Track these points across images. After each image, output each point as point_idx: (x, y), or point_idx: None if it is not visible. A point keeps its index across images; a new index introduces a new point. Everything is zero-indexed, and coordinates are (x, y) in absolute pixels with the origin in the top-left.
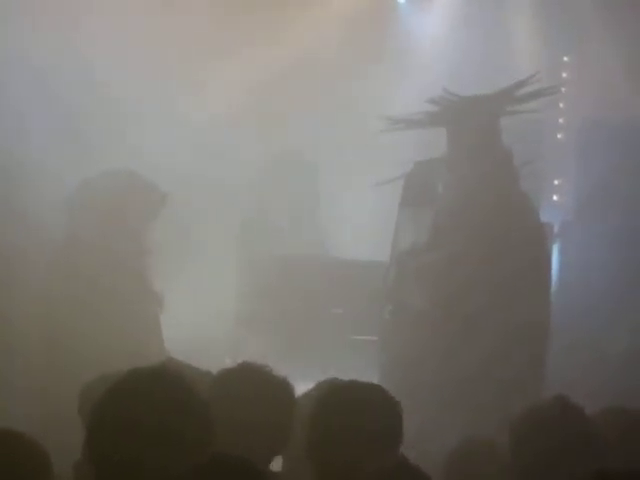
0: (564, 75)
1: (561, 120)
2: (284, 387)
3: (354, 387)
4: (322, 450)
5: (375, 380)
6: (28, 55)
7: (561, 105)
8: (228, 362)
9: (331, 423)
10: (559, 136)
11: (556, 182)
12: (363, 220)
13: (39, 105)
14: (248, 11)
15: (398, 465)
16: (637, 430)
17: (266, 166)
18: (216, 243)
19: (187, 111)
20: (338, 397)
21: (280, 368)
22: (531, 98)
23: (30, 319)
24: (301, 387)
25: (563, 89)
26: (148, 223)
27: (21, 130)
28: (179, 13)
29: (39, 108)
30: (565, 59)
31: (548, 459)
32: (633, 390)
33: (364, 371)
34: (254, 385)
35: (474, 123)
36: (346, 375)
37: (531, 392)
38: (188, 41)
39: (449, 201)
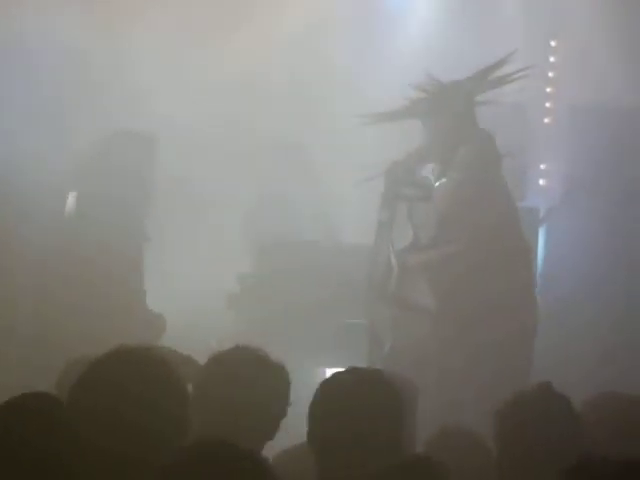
0: (551, 59)
1: (548, 104)
2: (278, 370)
3: (354, 372)
4: (322, 436)
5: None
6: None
7: (548, 90)
8: (214, 345)
9: (331, 408)
10: (546, 120)
11: (542, 166)
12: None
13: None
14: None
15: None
16: (629, 413)
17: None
18: (217, 226)
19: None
20: (338, 382)
21: (274, 352)
22: (507, 81)
23: (21, 292)
24: (296, 372)
25: (550, 73)
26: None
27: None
28: None
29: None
30: (552, 43)
31: (532, 447)
32: (618, 378)
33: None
34: (247, 367)
35: (452, 108)
36: (342, 359)
37: (519, 382)
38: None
39: (445, 193)
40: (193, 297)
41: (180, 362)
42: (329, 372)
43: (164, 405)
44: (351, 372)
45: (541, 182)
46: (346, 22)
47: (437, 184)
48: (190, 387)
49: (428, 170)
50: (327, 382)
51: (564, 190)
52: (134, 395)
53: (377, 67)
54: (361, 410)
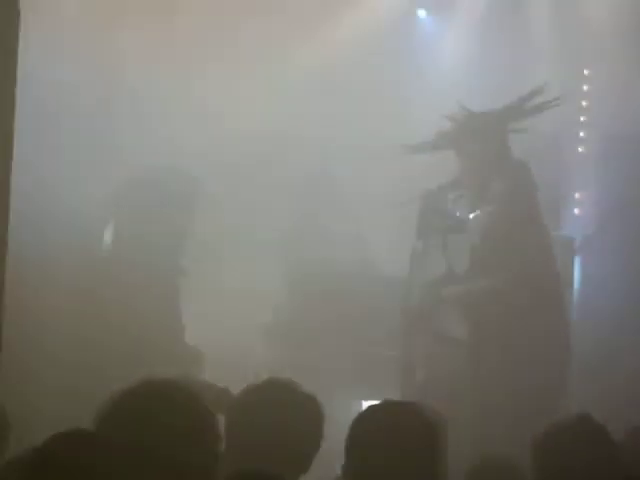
0: (584, 88)
1: (582, 133)
2: (311, 403)
3: (390, 406)
4: (358, 470)
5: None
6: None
7: (582, 119)
8: (252, 378)
9: (367, 441)
10: (580, 149)
11: (577, 195)
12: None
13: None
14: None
15: None
16: None
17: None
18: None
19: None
20: (373, 417)
21: (307, 383)
22: (540, 110)
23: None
24: (330, 404)
25: (584, 102)
26: (188, 216)
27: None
28: None
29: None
30: (585, 72)
31: (570, 477)
32: None
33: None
34: (280, 401)
35: (485, 138)
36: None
37: (554, 410)
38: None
39: (480, 227)
40: (229, 330)
41: (216, 394)
42: (363, 405)
43: (191, 437)
44: (386, 405)
45: (576, 211)
46: (377, 54)
47: (471, 216)
48: (223, 419)
49: (462, 201)
50: (362, 415)
51: (598, 219)
52: (160, 427)
53: (411, 98)
54: (396, 443)
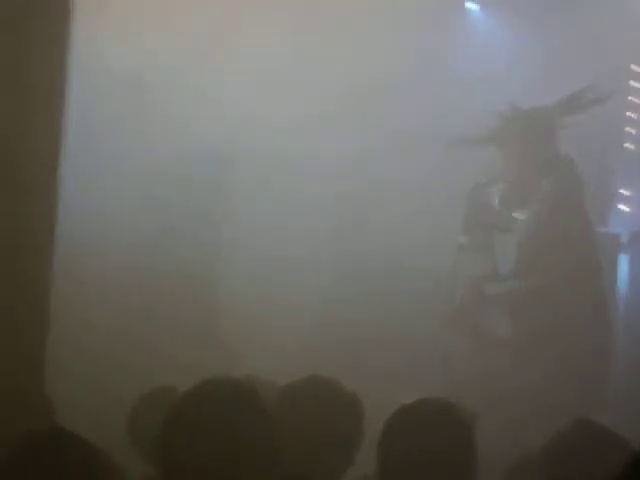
0: (632, 84)
1: (628, 129)
2: (353, 400)
3: (423, 405)
4: (393, 469)
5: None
6: None
7: (628, 114)
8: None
9: (399, 445)
10: (626, 145)
11: (623, 192)
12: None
13: None
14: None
15: None
16: None
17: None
18: None
19: None
20: (406, 417)
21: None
22: (590, 107)
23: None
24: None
25: (631, 98)
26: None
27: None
28: None
29: None
30: (633, 67)
31: None
32: None
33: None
34: (322, 397)
35: (533, 135)
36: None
37: (596, 412)
38: None
39: (527, 225)
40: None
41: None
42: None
43: (257, 437)
44: (421, 403)
45: (622, 208)
46: (424, 49)
47: (519, 214)
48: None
49: (509, 198)
50: (398, 413)
51: None
52: (229, 428)
53: (459, 94)
54: (431, 441)
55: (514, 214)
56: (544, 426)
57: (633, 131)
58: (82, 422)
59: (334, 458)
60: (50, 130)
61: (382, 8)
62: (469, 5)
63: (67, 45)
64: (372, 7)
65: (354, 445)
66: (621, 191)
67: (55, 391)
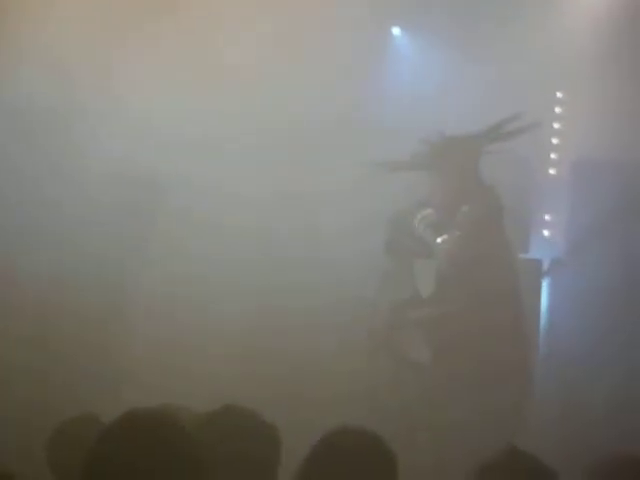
0: (557, 110)
1: (553, 155)
2: (268, 427)
3: (346, 433)
4: None
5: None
6: None
7: (554, 141)
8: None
9: (325, 472)
10: (551, 171)
11: (547, 217)
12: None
13: None
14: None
15: None
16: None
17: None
18: None
19: None
20: (329, 445)
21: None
22: (514, 136)
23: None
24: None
25: (556, 125)
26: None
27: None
28: None
29: None
30: (558, 95)
31: None
32: (614, 439)
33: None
34: (239, 428)
35: (457, 162)
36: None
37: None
38: None
39: (448, 252)
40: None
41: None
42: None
43: (185, 461)
44: (345, 431)
45: (545, 233)
46: (347, 74)
47: (439, 240)
48: None
49: (431, 224)
50: (322, 440)
51: (568, 242)
52: (155, 455)
53: (383, 120)
54: (355, 469)
55: (436, 239)
56: (467, 456)
57: (558, 157)
58: None
59: None
60: None
61: (303, 32)
62: (394, 31)
63: None
64: (293, 32)
65: (271, 473)
66: (546, 217)
67: None
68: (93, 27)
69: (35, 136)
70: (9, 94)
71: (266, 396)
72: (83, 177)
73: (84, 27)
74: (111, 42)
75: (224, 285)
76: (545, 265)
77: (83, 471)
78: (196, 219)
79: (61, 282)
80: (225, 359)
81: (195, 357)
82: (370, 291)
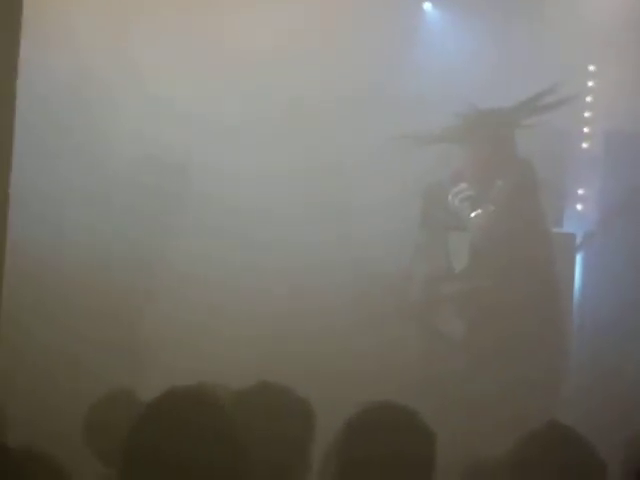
0: (590, 84)
1: (586, 129)
2: (302, 403)
3: (382, 409)
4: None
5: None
6: None
7: (586, 114)
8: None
9: (359, 448)
10: (584, 145)
11: (580, 191)
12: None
13: None
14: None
15: None
16: None
17: None
18: None
19: None
20: (368, 419)
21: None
22: (550, 109)
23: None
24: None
25: (588, 98)
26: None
27: None
28: None
29: None
30: (591, 68)
31: None
32: None
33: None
34: (274, 402)
35: (490, 136)
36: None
37: (547, 413)
38: None
39: (481, 226)
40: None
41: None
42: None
43: (223, 436)
44: (380, 405)
45: (578, 207)
46: (380, 48)
47: (473, 214)
48: None
49: (465, 198)
50: (355, 415)
51: (601, 216)
52: (195, 429)
53: (416, 94)
54: (391, 443)
55: (469, 214)
56: (501, 430)
57: (591, 131)
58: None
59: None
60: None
61: (335, 8)
62: (426, 6)
63: (16, 56)
64: (325, 9)
65: (307, 449)
66: (579, 191)
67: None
68: (119, 10)
69: (62, 121)
70: (36, 79)
71: (299, 373)
72: (109, 161)
73: (109, 10)
74: (137, 26)
75: (255, 265)
76: (578, 239)
77: (125, 451)
78: (226, 201)
79: (90, 265)
80: (257, 340)
81: (227, 338)
82: (403, 266)
